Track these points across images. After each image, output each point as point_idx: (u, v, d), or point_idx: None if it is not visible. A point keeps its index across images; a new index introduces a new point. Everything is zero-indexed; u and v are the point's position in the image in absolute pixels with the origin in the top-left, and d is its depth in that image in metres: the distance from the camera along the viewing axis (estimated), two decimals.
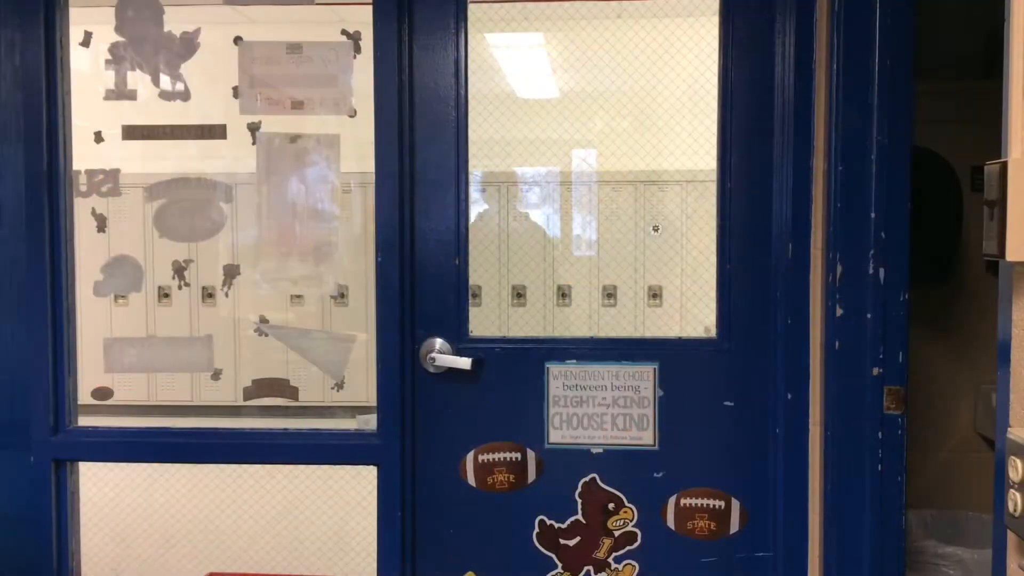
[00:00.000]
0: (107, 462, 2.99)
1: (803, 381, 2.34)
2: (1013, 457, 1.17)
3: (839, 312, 2.23)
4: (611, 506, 2.49)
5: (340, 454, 2.55)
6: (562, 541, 2.48)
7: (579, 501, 2.48)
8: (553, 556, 2.50)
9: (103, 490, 4.01)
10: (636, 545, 2.49)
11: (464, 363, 2.41)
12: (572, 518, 2.49)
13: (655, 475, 2.47)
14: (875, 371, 2.23)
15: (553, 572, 2.49)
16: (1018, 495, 1.15)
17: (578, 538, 2.49)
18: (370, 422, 2.45)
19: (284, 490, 4.36)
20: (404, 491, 2.44)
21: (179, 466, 3.83)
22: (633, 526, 2.48)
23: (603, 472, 2.47)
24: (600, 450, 2.45)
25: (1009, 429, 1.21)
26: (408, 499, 2.46)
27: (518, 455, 2.47)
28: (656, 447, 2.46)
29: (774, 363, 2.39)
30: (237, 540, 4.03)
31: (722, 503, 2.45)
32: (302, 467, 3.77)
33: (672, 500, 2.46)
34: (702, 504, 2.46)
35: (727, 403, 2.44)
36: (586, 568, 2.46)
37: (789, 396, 2.34)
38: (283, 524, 4.26)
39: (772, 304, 2.38)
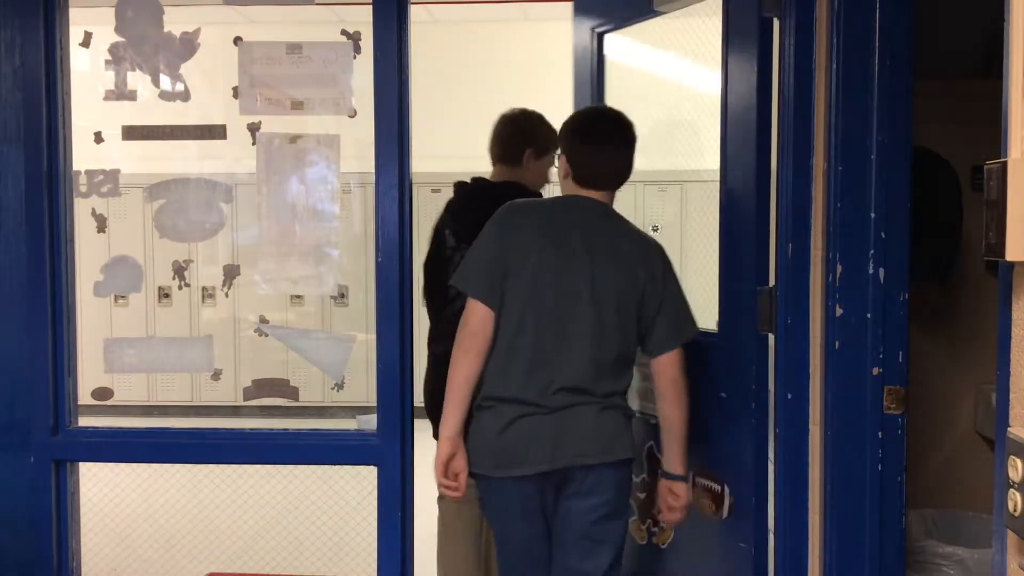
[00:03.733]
0: (107, 462, 2.99)
1: (803, 381, 2.34)
2: (1013, 457, 1.17)
3: (839, 312, 2.23)
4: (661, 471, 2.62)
5: (340, 454, 2.55)
6: (638, 494, 2.71)
7: (645, 463, 2.69)
8: (633, 504, 2.68)
9: (103, 490, 4.00)
10: None
11: None
12: (642, 475, 2.69)
13: None
14: (875, 371, 2.23)
15: (633, 518, 2.74)
16: (1018, 495, 1.15)
17: (644, 494, 2.70)
18: (370, 422, 2.45)
19: (284, 490, 4.36)
20: (404, 491, 2.43)
21: (179, 466, 3.84)
22: None
23: (656, 441, 2.59)
24: (654, 421, 2.55)
25: (1009, 429, 1.21)
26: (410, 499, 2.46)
27: None
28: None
29: (773, 362, 2.39)
30: (237, 540, 4.03)
31: (719, 487, 2.48)
32: (302, 467, 3.78)
33: (691, 476, 2.54)
34: (706, 485, 2.52)
35: (722, 394, 2.46)
36: (648, 521, 2.68)
37: (789, 396, 2.34)
38: (283, 524, 4.26)
39: (772, 303, 2.38)
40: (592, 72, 2.96)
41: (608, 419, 2.26)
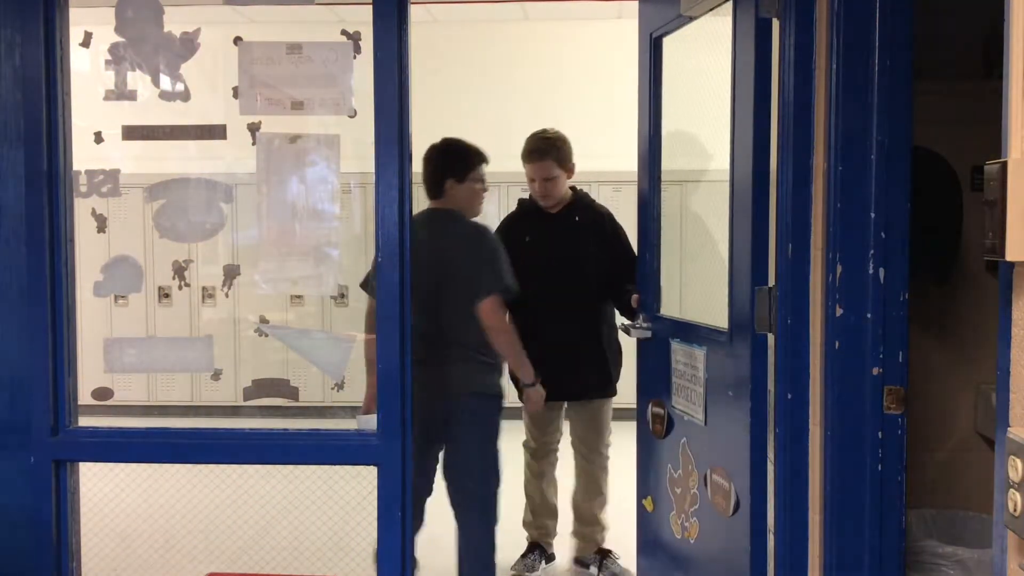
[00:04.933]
0: (107, 462, 2.99)
1: (803, 381, 2.34)
2: (1013, 457, 1.17)
3: (839, 312, 2.23)
4: (690, 467, 2.71)
5: (340, 454, 2.55)
6: (676, 488, 2.86)
7: (680, 459, 2.77)
8: (672, 499, 2.81)
9: (103, 490, 4.00)
10: (698, 506, 2.68)
11: None
12: (678, 471, 2.78)
13: (703, 448, 2.63)
14: (875, 371, 2.23)
15: (672, 513, 2.89)
16: (1018, 495, 1.15)
17: (679, 489, 2.79)
18: (370, 422, 2.45)
19: (284, 490, 4.36)
20: (404, 491, 2.43)
21: (179, 466, 3.84)
22: (696, 489, 2.68)
23: (688, 438, 2.71)
24: (687, 418, 2.67)
25: (1009, 429, 1.21)
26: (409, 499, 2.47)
27: (663, 412, 2.94)
28: (704, 423, 2.62)
29: (773, 362, 2.39)
30: (237, 540, 4.03)
31: (727, 484, 2.48)
32: (302, 467, 3.78)
33: (708, 473, 2.58)
34: (718, 482, 2.55)
35: (729, 393, 2.47)
36: (682, 515, 2.77)
37: (789, 396, 2.34)
38: (283, 524, 4.26)
39: (772, 303, 2.38)
40: (649, 73, 3.04)
41: (474, 367, 3.21)
